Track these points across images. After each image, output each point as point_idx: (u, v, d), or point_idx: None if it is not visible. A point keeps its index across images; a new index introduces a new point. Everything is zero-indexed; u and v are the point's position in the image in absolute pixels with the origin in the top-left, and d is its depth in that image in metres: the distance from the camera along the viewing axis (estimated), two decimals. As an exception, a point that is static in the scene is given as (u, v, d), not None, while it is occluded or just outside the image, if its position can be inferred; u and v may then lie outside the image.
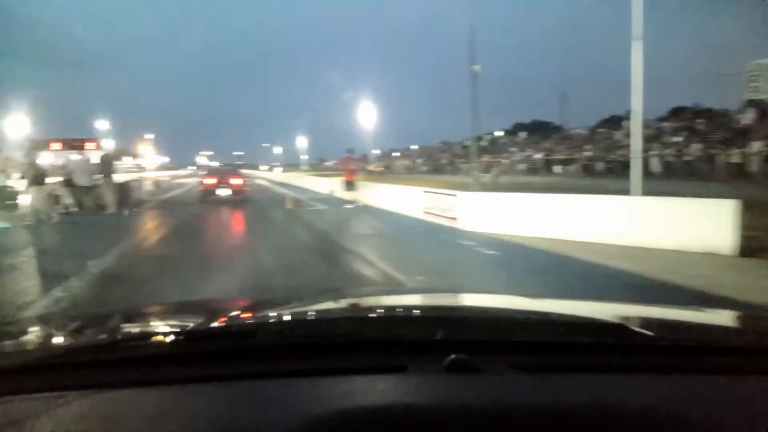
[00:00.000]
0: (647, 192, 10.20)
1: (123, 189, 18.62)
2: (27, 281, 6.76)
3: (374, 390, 1.01)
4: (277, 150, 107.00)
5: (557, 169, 37.14)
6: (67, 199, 16.54)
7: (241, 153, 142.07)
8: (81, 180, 16.00)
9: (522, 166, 40.23)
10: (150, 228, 12.77)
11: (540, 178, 31.57)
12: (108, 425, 0.93)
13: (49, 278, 6.77)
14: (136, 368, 1.11)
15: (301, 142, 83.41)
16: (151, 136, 57.40)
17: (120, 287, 6.55)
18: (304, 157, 78.86)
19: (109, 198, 16.16)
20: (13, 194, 16.32)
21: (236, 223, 14.55)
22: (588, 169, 34.29)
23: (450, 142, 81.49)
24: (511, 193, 12.50)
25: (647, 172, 24.72)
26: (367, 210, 17.18)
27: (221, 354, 1.17)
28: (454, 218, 12.25)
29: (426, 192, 14.40)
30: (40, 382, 1.06)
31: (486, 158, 39.81)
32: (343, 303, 1.97)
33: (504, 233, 10.61)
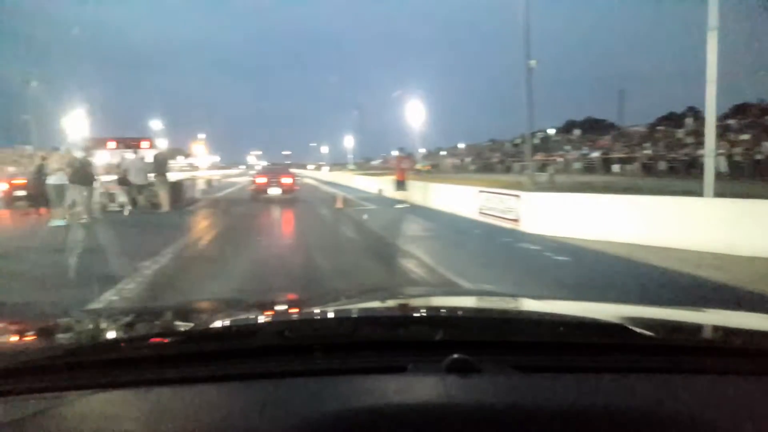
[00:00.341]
0: (717, 193, 9.37)
1: (176, 187, 18.74)
2: (79, 283, 6.59)
3: (374, 390, 1.01)
4: (324, 149, 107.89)
5: (615, 168, 35.70)
6: (122, 197, 16.72)
7: (289, 152, 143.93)
8: (136, 178, 16.11)
9: (577, 165, 38.81)
10: (203, 227, 12.64)
11: (598, 177, 30.28)
12: (108, 425, 0.92)
13: (102, 280, 6.59)
14: (137, 368, 1.11)
15: (348, 141, 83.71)
16: (203, 135, 58.68)
17: (174, 290, 6.30)
18: (350, 156, 79.08)
19: (164, 196, 16.22)
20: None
21: (288, 222, 14.30)
22: (649, 169, 32.80)
23: (499, 140, 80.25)
24: (577, 194, 11.73)
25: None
26: (419, 210, 16.72)
27: (221, 354, 1.16)
28: (515, 220, 11.60)
29: (482, 192, 13.78)
30: (40, 382, 1.06)
31: (539, 156, 38.66)
32: (344, 303, 1.97)
33: (571, 237, 9.96)
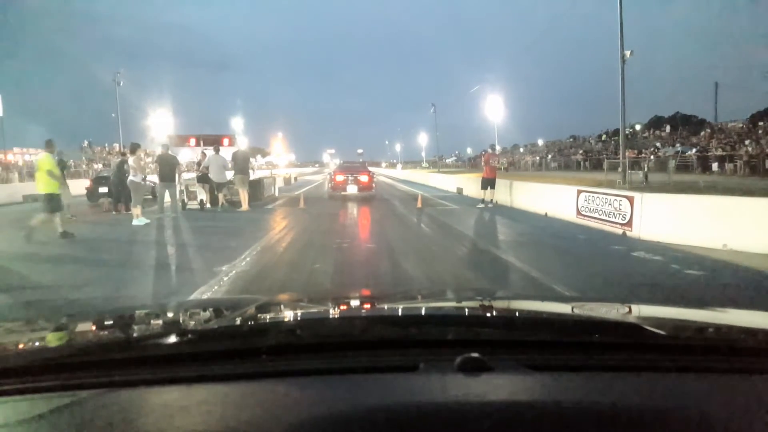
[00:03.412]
0: None
1: (256, 186, 18.51)
2: (152, 291, 6.06)
3: (386, 389, 1.00)
4: (397, 147, 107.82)
5: (714, 167, 32.83)
6: (202, 195, 16.61)
7: (362, 150, 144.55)
8: (215, 176, 15.91)
9: (670, 163, 36.11)
10: (283, 227, 12.07)
11: (698, 176, 27.80)
12: (120, 424, 0.89)
13: (177, 289, 6.08)
14: (149, 367, 1.10)
15: (422, 139, 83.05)
16: (280, 134, 59.67)
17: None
18: (423, 153, 78.25)
19: (243, 195, 15.93)
20: (152, 189, 16.68)
21: (369, 223, 13.50)
22: (753, 168, 29.85)
23: (580, 136, 77.06)
24: (701, 196, 10.26)
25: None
26: (506, 211, 15.63)
27: (233, 353, 1.14)
28: (627, 224, 10.27)
29: (581, 192, 12.47)
30: (53, 381, 1.05)
31: (629, 153, 36.22)
32: (357, 302, 1.99)
33: (694, 245, 8.73)
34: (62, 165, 14.15)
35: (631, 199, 10.27)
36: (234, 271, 6.84)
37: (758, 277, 6.82)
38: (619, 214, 10.53)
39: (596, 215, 11.49)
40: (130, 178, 12.65)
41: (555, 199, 14.01)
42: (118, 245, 9.72)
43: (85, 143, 65.66)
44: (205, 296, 5.60)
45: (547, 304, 1.98)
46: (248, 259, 7.79)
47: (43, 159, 10.15)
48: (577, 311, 1.75)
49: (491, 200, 16.88)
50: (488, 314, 1.64)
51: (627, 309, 1.76)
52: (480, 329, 1.34)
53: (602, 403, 0.94)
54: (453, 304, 1.93)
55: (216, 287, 6.02)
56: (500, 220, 13.39)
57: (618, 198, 10.73)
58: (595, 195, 11.70)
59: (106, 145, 64.18)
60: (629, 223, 10.21)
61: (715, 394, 1.03)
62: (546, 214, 14.05)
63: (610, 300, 2.71)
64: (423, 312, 1.67)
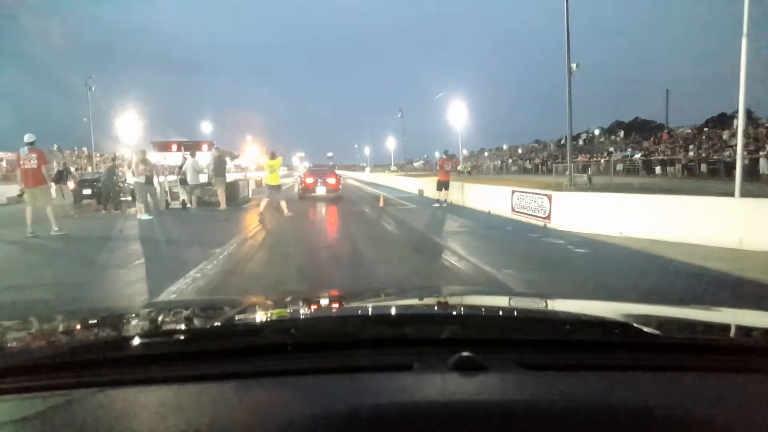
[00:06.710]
0: (755, 195, 10.11)
1: (232, 187, 20.23)
2: (167, 264, 7.93)
3: (380, 388, 1.01)
4: (366, 151, 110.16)
5: (658, 170, 35.65)
6: (183, 196, 18.28)
7: (332, 154, 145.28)
8: (190, 179, 17.61)
9: (619, 166, 38.85)
10: (258, 223, 13.87)
11: (638, 178, 30.49)
12: (114, 423, 0.91)
13: (185, 262, 7.80)
14: (144, 366, 1.11)
15: (390, 143, 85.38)
16: (248, 137, 60.65)
17: (243, 272, 7.39)
18: (392, 157, 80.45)
19: (221, 195, 17.67)
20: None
21: (335, 219, 15.45)
22: (690, 171, 32.71)
23: (543, 140, 79.98)
24: (605, 193, 12.53)
25: (755, 174, 23.41)
26: (456, 209, 17.69)
27: (227, 352, 1.17)
28: (546, 217, 12.48)
29: (514, 191, 14.67)
30: (46, 380, 1.06)
31: (582, 157, 38.93)
32: (351, 302, 1.99)
33: (595, 233, 10.83)
34: (66, 169, 15.77)
35: (549, 197, 12.54)
36: (226, 252, 8.70)
37: (627, 252, 9.06)
38: (542, 209, 12.76)
39: (525, 211, 13.70)
40: (135, 179, 14.45)
41: (496, 199, 16.16)
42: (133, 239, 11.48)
43: (55, 147, 64.71)
44: (209, 267, 7.42)
45: (540, 303, 1.98)
46: (234, 245, 9.62)
47: (278, 162, 15.96)
48: (570, 310, 1.77)
49: (445, 200, 19.00)
50: (482, 313, 1.66)
51: (620, 308, 1.79)
52: (474, 328, 1.35)
53: (596, 402, 0.96)
54: (446, 302, 1.92)
55: (215, 261, 7.84)
56: (448, 217, 15.46)
57: (541, 196, 12.97)
58: (525, 194, 13.96)
59: (75, 148, 63.58)
60: (549, 217, 12.44)
61: (709, 394, 1.04)
62: (489, 211, 16.20)
63: (603, 299, 2.79)
64: (416, 311, 1.67)
